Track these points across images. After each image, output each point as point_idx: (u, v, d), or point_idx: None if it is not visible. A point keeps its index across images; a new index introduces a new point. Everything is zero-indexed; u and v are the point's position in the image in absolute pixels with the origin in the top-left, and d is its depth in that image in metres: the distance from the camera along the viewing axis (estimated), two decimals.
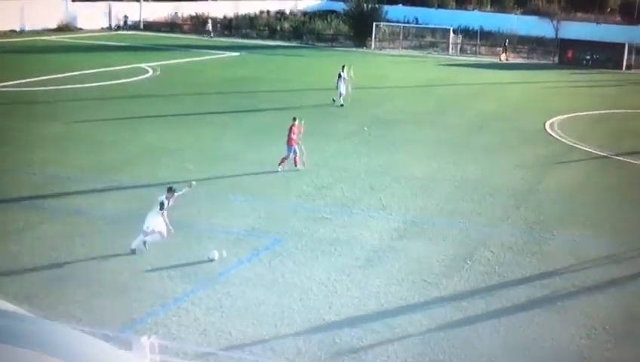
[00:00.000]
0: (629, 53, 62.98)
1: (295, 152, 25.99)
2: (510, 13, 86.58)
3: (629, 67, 62.24)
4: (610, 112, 41.47)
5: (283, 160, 25.96)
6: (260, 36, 75.97)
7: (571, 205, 23.83)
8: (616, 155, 30.53)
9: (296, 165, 26.10)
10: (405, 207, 22.80)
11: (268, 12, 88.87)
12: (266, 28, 78.93)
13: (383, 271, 17.82)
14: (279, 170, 25.83)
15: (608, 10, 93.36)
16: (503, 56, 65.94)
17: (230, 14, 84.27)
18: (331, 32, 75.81)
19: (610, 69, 60.53)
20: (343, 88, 38.66)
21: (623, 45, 62.56)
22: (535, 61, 66.18)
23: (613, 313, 16.12)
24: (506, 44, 67.33)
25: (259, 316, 15.15)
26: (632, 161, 29.67)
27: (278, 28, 78.16)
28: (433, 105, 41.92)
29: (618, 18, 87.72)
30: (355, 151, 29.63)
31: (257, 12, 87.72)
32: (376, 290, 16.64)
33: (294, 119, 26.39)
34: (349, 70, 39.58)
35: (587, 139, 33.47)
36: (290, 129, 26.04)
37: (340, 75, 39.00)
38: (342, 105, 38.63)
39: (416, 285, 17.05)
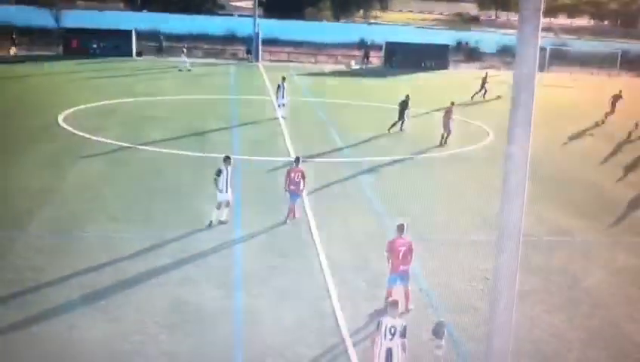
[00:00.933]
0: (137, 39, 66.14)
1: None
2: (9, 5, 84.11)
3: (139, 54, 65.36)
4: (126, 101, 43.01)
5: None
6: None
7: (100, 199, 24.19)
8: (138, 145, 31.78)
9: None
10: None
11: None
12: None
13: None
14: None
15: None
16: (13, 50, 64.36)
17: None
18: None
19: (119, 57, 62.82)
20: None
21: (130, 32, 65.44)
22: (39, 52, 65.31)
23: (162, 304, 16.86)
24: (13, 36, 65.57)
25: None
26: (155, 149, 31.22)
27: None
28: None
29: (121, 5, 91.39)
30: None
31: None
32: None
33: None
34: None
35: (105, 130, 34.26)
36: None
37: None
38: None
39: None
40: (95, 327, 15.52)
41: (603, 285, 19.71)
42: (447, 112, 35.53)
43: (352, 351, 15.19)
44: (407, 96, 38.53)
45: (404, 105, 38.03)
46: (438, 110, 41.76)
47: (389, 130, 37.25)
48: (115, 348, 14.79)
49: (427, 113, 42.35)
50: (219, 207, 22.11)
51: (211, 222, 22.03)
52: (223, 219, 22.21)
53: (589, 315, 17.77)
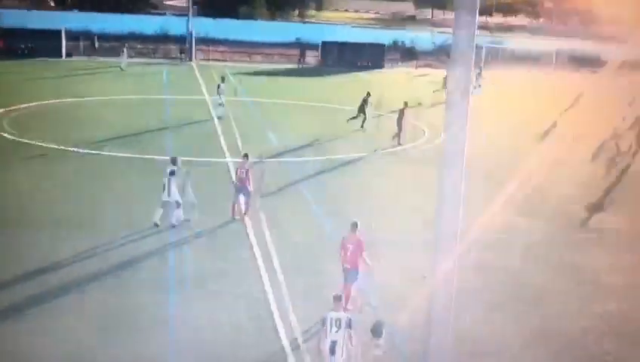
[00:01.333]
0: (67, 39, 64.99)
1: None
2: None
3: (69, 54, 64.29)
4: (57, 102, 42.19)
5: None
6: None
7: (33, 204, 23.74)
8: (71, 147, 31.17)
9: None
10: None
11: None
12: None
13: None
14: None
15: None
16: None
17: None
18: None
19: (49, 57, 61.61)
20: None
21: (60, 32, 64.22)
22: None
23: (97, 309, 16.68)
24: None
25: None
26: (89, 152, 30.69)
27: None
28: None
29: (52, 4, 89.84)
30: None
31: None
32: None
33: None
34: None
35: (36, 132, 33.60)
36: None
37: None
38: None
39: None
40: (28, 334, 15.24)
41: (545, 282, 20.01)
42: (401, 112, 35.86)
43: (290, 353, 15.17)
44: (368, 93, 39.03)
45: (364, 103, 38.54)
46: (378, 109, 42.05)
47: (350, 121, 38.52)
48: (48, 355, 14.55)
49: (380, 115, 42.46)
50: (164, 206, 21.97)
51: (157, 223, 21.87)
52: (186, 218, 22.20)
53: (530, 313, 18.02)
